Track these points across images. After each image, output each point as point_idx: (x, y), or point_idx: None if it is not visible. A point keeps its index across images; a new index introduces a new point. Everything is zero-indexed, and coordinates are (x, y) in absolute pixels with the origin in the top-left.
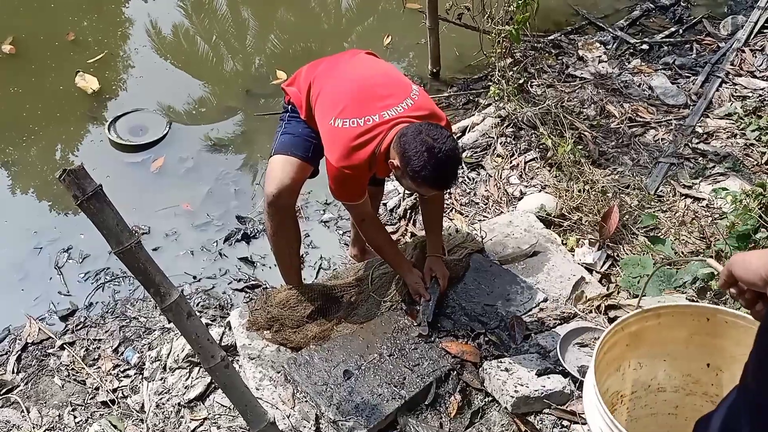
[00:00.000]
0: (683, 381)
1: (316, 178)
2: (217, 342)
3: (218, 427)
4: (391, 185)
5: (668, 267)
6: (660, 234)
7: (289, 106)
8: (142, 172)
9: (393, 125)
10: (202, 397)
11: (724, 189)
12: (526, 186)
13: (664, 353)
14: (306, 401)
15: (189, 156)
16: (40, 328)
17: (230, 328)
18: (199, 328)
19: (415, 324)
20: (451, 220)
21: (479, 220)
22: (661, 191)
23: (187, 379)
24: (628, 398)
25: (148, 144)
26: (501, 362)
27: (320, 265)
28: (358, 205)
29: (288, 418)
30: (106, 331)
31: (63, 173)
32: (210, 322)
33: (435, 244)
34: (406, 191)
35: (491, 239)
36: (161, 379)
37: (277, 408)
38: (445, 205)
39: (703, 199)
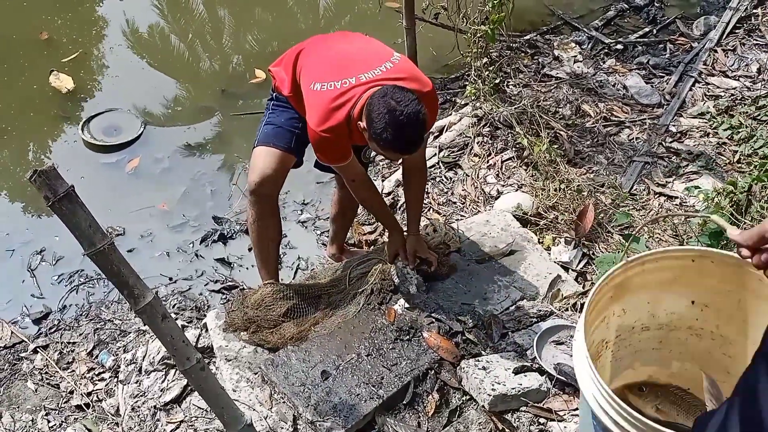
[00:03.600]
0: (667, 318)
1: (295, 175)
2: (194, 344)
3: (195, 430)
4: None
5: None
6: (634, 232)
7: (274, 93)
8: (117, 172)
9: (368, 88)
10: (178, 400)
11: (697, 187)
12: (503, 185)
13: (647, 297)
14: (283, 402)
15: (165, 156)
16: (12, 332)
17: (207, 330)
18: (173, 330)
19: (404, 289)
20: (428, 219)
21: (456, 220)
22: (635, 190)
23: (162, 382)
24: (612, 342)
25: (122, 144)
26: (478, 361)
27: (298, 265)
28: (346, 166)
29: (265, 419)
30: (81, 334)
31: (33, 174)
32: (186, 324)
33: (416, 221)
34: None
35: (468, 238)
36: (137, 382)
37: (254, 409)
38: (423, 205)
39: (677, 197)
